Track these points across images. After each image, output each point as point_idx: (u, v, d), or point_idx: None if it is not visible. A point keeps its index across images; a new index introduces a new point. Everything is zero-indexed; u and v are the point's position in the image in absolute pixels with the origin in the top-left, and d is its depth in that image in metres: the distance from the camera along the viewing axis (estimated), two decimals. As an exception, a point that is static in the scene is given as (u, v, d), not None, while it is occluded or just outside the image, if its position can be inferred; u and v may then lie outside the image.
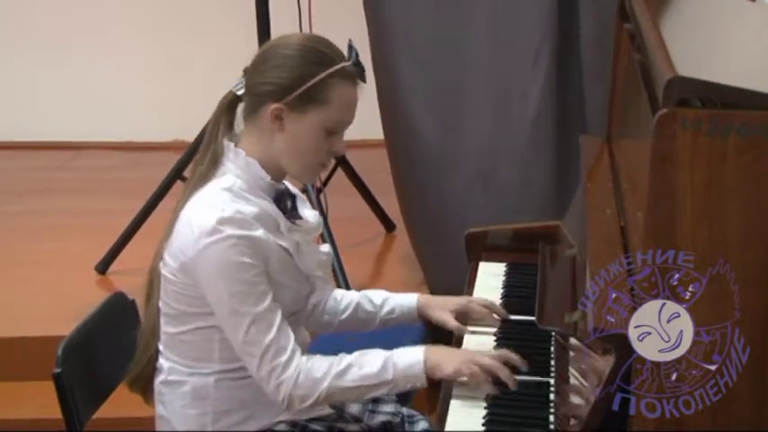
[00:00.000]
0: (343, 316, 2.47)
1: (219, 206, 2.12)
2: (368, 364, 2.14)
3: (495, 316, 2.46)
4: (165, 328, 2.25)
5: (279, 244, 2.17)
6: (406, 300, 2.48)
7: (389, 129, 3.82)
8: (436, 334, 2.83)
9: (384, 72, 3.71)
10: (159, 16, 5.68)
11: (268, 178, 2.21)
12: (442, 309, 2.46)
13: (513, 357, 2.17)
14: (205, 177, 2.20)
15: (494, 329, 2.43)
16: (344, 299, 2.48)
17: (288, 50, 2.18)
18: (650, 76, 1.92)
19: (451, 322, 2.44)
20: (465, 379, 2.15)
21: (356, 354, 2.17)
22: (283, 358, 2.10)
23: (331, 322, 2.48)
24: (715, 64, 2.02)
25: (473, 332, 2.43)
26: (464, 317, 2.46)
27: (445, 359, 2.16)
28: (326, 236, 3.73)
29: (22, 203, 5.07)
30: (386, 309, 2.47)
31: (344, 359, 2.15)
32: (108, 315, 2.43)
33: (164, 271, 2.21)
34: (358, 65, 2.20)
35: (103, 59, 5.71)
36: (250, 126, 2.22)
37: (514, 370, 2.16)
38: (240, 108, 2.25)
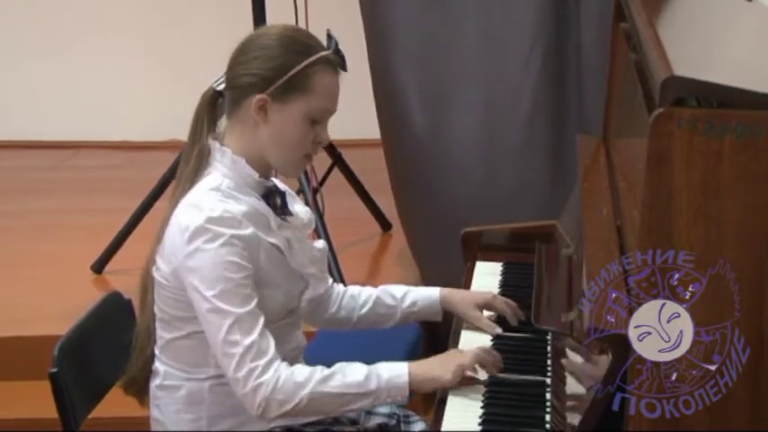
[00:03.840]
0: (363, 311, 2.46)
1: (208, 207, 2.11)
2: (351, 373, 2.11)
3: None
4: (161, 333, 2.24)
5: (269, 242, 2.16)
6: (428, 292, 2.47)
7: (385, 128, 3.82)
8: (433, 332, 2.82)
9: (380, 71, 3.71)
10: (155, 15, 5.67)
11: (256, 175, 2.20)
12: (468, 304, 2.45)
13: (489, 358, 2.18)
14: (193, 178, 2.19)
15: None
16: (362, 294, 2.47)
17: (267, 41, 2.18)
18: (646, 75, 1.92)
19: (483, 320, 2.43)
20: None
21: (338, 364, 2.14)
22: (263, 360, 2.06)
23: (349, 318, 2.46)
24: (711, 63, 2.02)
25: (466, 328, 2.44)
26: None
27: (436, 371, 2.14)
28: (323, 235, 3.73)
29: (16, 203, 5.06)
30: (407, 302, 2.46)
31: (326, 369, 2.12)
32: (104, 314, 2.42)
33: (156, 275, 2.20)
34: (338, 53, 2.20)
35: (100, 59, 5.70)
36: (233, 121, 2.20)
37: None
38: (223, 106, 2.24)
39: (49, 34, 5.71)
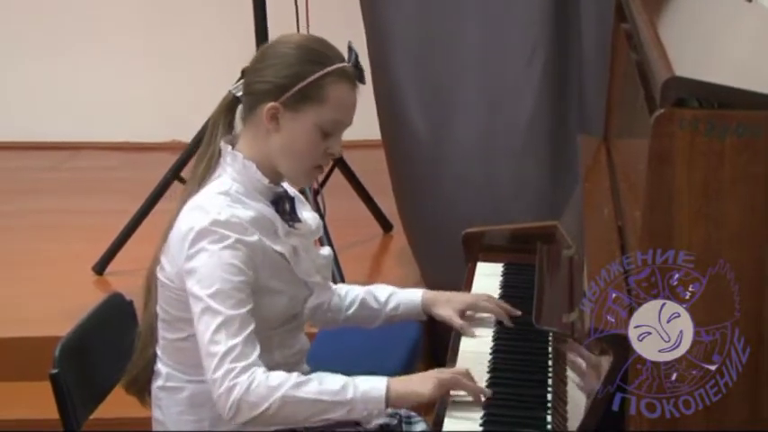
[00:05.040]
0: (348, 312, 2.47)
1: (215, 210, 2.11)
2: (328, 381, 2.08)
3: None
4: (163, 333, 2.24)
5: (274, 249, 2.16)
6: (411, 296, 2.48)
7: (386, 129, 3.82)
8: (434, 332, 2.82)
9: (380, 72, 3.71)
10: (156, 16, 5.67)
11: (266, 181, 2.19)
12: (447, 306, 2.45)
13: (470, 384, 2.13)
14: (203, 180, 2.19)
15: (491, 330, 2.43)
16: (349, 295, 2.47)
17: (285, 49, 2.17)
18: (647, 75, 1.92)
19: (455, 320, 2.42)
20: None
21: (317, 373, 2.12)
22: (242, 363, 2.03)
23: (335, 319, 2.48)
24: (712, 64, 2.02)
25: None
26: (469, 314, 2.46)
27: (416, 386, 2.10)
28: (324, 236, 3.72)
29: (16, 203, 5.05)
30: (390, 305, 2.46)
31: (303, 376, 2.09)
32: (105, 316, 2.43)
33: (160, 276, 2.20)
34: (357, 66, 2.19)
35: (100, 60, 5.70)
36: (247, 126, 2.21)
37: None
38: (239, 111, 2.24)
39: (49, 34, 5.70)
